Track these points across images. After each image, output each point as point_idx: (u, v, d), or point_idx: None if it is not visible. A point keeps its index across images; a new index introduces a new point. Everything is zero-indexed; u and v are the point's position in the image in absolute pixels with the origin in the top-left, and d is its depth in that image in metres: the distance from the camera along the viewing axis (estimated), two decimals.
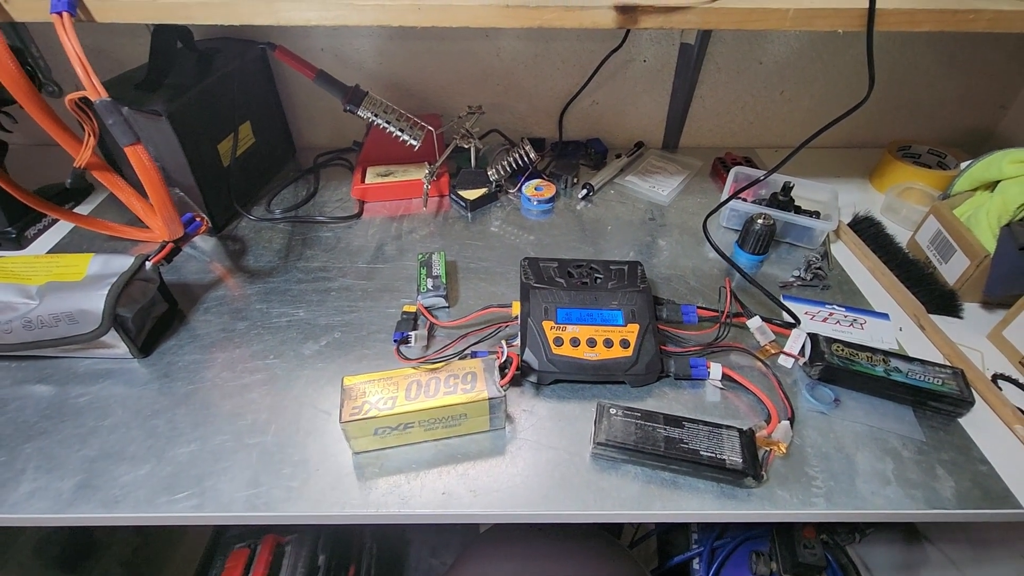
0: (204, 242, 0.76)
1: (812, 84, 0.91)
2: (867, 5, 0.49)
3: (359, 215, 0.82)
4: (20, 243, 0.74)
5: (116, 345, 0.58)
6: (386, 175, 0.86)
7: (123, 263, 0.58)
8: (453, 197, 0.84)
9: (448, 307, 0.66)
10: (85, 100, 0.51)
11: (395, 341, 0.61)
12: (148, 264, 0.60)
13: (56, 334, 0.55)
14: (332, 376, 0.58)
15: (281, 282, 0.69)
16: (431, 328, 0.63)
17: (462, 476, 0.49)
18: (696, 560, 0.89)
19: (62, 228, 0.78)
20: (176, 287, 0.67)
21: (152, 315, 0.62)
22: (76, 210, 0.81)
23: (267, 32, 0.82)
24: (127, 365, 0.59)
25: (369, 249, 0.75)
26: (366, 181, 0.84)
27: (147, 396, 0.56)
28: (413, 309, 0.64)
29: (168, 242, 0.61)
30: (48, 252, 0.74)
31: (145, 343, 0.60)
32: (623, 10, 0.50)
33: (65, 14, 0.48)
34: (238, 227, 0.79)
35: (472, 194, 0.83)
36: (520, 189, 0.85)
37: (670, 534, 0.99)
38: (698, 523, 0.93)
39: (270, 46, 0.73)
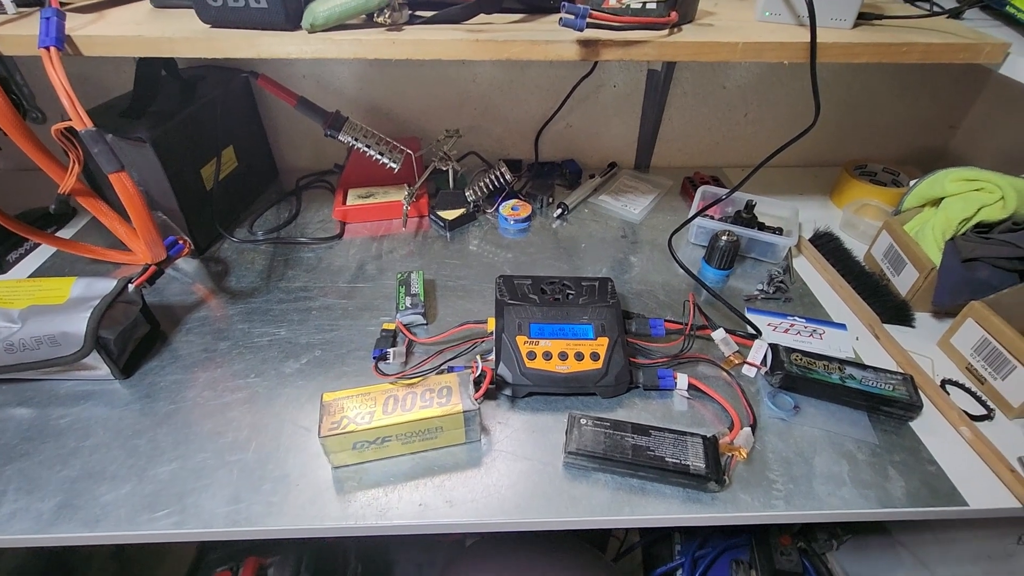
0: (187, 264, 0.78)
1: (774, 107, 0.96)
2: (809, 39, 0.53)
3: (340, 236, 0.84)
4: (1, 268, 0.75)
5: (98, 367, 0.59)
6: (367, 197, 0.88)
7: (106, 286, 0.60)
8: (432, 217, 0.87)
9: (426, 324, 0.68)
10: (70, 129, 0.53)
11: (374, 358, 0.62)
12: (130, 287, 0.61)
13: (38, 356, 0.56)
14: (312, 394, 0.59)
15: (263, 302, 0.71)
16: (410, 345, 0.65)
17: (439, 488, 0.51)
18: (679, 571, 0.91)
19: (43, 252, 0.79)
20: (158, 309, 0.68)
21: (134, 337, 0.63)
22: (58, 234, 0.82)
23: (250, 60, 0.85)
24: (108, 386, 0.60)
25: (350, 269, 0.77)
26: (347, 203, 0.87)
27: (128, 416, 0.57)
28: (392, 327, 0.66)
29: (150, 265, 0.63)
30: (30, 276, 0.75)
31: (127, 364, 0.61)
32: (585, 44, 0.53)
33: (53, 48, 0.50)
34: (221, 249, 0.81)
35: (451, 214, 0.86)
36: (497, 209, 0.88)
37: (654, 546, 1.00)
38: (681, 534, 0.94)
39: (253, 74, 0.75)
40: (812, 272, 0.78)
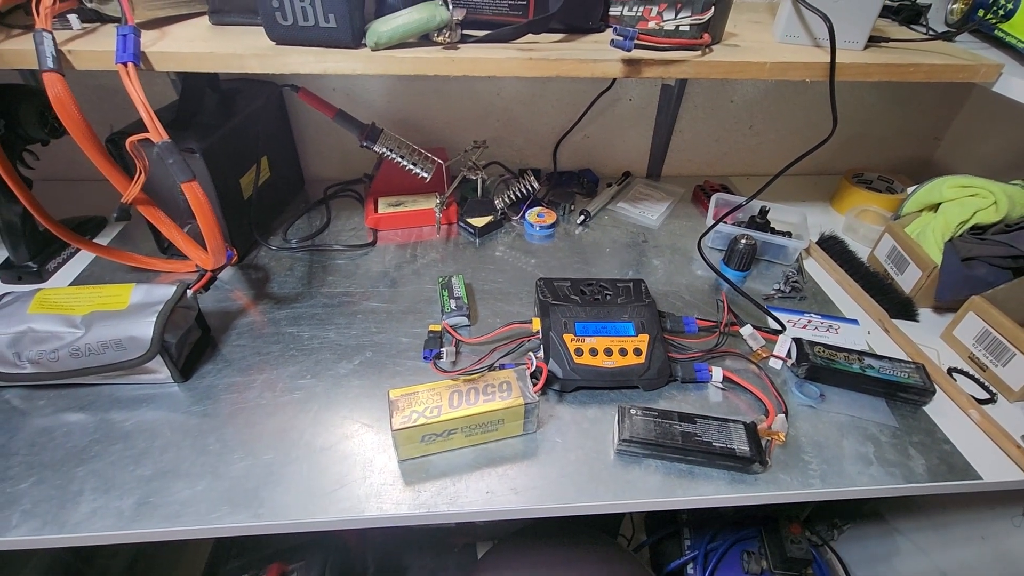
0: (224, 272, 0.79)
1: (777, 120, 1.02)
2: (829, 60, 0.59)
3: (374, 243, 0.87)
4: (42, 276, 0.76)
5: (159, 370, 0.61)
6: (397, 205, 0.91)
7: (165, 292, 0.61)
8: (461, 224, 0.90)
9: (470, 325, 0.71)
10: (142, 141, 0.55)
11: (426, 358, 0.65)
12: (189, 292, 0.63)
13: (103, 360, 0.58)
14: (369, 392, 0.62)
15: (308, 307, 0.73)
16: (457, 345, 0.68)
17: (502, 476, 0.54)
18: (691, 564, 0.95)
19: (81, 261, 0.80)
20: (205, 314, 0.70)
21: (189, 341, 0.65)
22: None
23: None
24: (168, 390, 0.62)
25: (388, 274, 0.80)
26: (379, 211, 0.90)
27: (193, 418, 0.58)
28: (438, 328, 0.69)
29: (208, 271, 0.65)
30: (70, 284, 0.76)
31: (184, 368, 0.63)
32: (630, 63, 0.58)
33: (130, 64, 0.53)
34: (258, 256, 0.83)
35: (479, 221, 0.89)
36: (523, 216, 0.92)
37: (662, 544, 1.04)
38: (691, 529, 0.99)
39: (293, 88, 0.78)
40: (822, 272, 0.83)
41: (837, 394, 0.64)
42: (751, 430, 0.56)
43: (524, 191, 0.91)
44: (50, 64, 0.52)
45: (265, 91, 0.85)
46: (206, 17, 0.65)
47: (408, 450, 0.54)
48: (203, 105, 0.77)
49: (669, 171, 1.08)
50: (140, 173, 0.58)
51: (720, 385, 0.64)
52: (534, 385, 0.57)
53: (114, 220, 0.60)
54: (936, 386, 0.63)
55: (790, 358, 0.66)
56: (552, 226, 0.91)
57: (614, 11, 0.68)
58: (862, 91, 1.00)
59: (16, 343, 0.57)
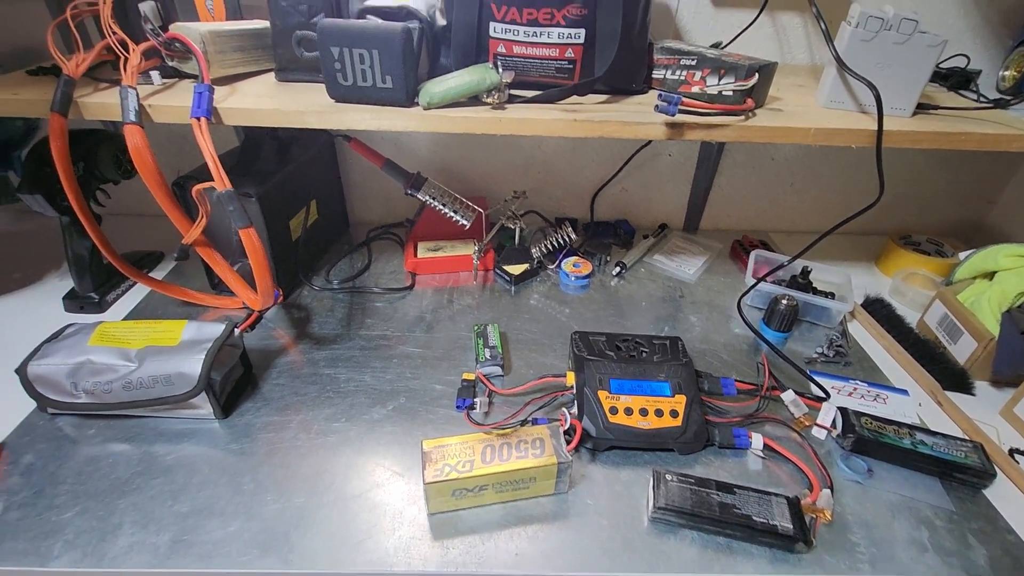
0: (269, 310, 0.82)
1: (819, 179, 1.02)
2: (875, 128, 0.59)
3: (411, 287, 0.88)
4: (102, 307, 0.80)
5: (203, 406, 0.62)
6: (436, 250, 0.93)
7: (214, 330, 0.64)
8: (498, 271, 0.92)
9: (503, 375, 0.71)
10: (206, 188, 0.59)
11: (459, 407, 0.65)
12: (236, 331, 0.65)
13: (152, 395, 0.60)
14: (401, 439, 0.62)
15: (346, 349, 0.75)
16: (490, 395, 0.68)
17: (532, 538, 0.53)
18: None
19: (138, 293, 0.84)
20: (248, 351, 0.72)
21: (232, 378, 0.67)
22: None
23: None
24: (208, 425, 0.63)
25: (424, 319, 0.81)
26: (418, 255, 0.92)
27: (231, 456, 0.60)
28: (472, 377, 0.69)
29: (256, 311, 0.67)
30: (127, 314, 0.79)
31: (225, 405, 0.65)
32: (672, 126, 0.59)
33: (203, 119, 0.57)
34: (301, 296, 0.86)
35: (516, 269, 0.90)
36: (559, 266, 0.93)
37: None
38: None
39: (345, 138, 0.82)
40: (867, 337, 0.80)
41: (886, 470, 0.60)
42: (794, 505, 0.53)
43: (561, 241, 0.92)
44: (132, 118, 0.57)
45: (319, 139, 0.90)
46: (272, 73, 0.70)
47: (438, 503, 0.54)
48: (262, 151, 0.82)
49: (706, 225, 1.08)
50: (202, 218, 0.61)
51: (760, 453, 0.61)
52: (568, 443, 0.56)
53: (174, 259, 0.64)
54: (996, 468, 0.59)
55: (835, 428, 0.63)
56: (587, 277, 0.91)
57: (657, 74, 0.70)
58: (910, 152, 0.98)
59: (74, 373, 0.60)
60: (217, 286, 0.85)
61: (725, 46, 0.82)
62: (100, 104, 0.59)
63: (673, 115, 0.56)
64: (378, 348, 0.75)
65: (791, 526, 0.51)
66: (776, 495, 0.54)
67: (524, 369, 0.73)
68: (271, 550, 0.51)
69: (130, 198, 0.91)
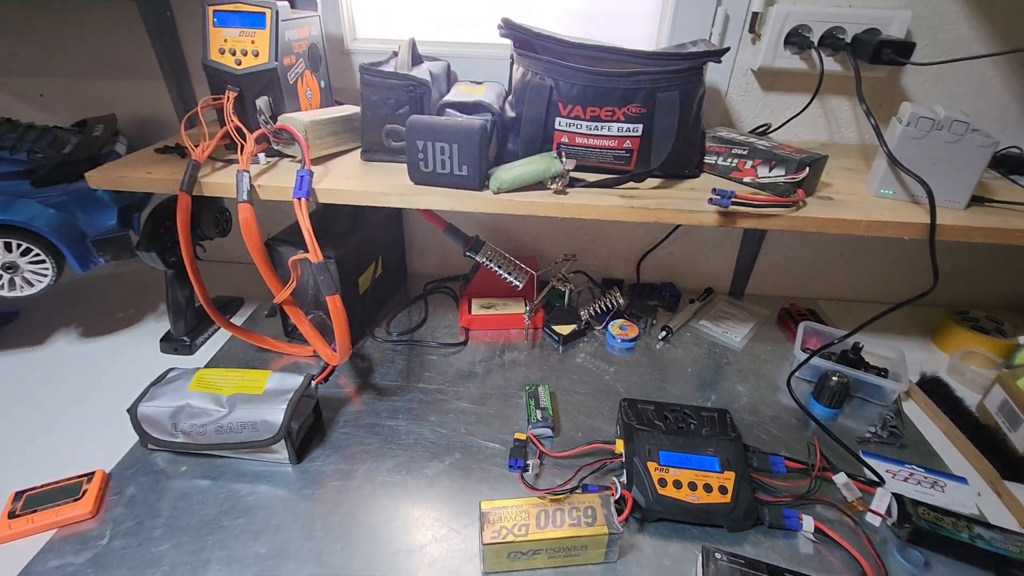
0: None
1: (869, 249, 1.02)
2: (928, 221, 0.61)
3: (465, 342, 0.94)
4: (192, 349, 0.89)
5: (280, 452, 0.68)
6: (488, 307, 0.99)
7: (294, 382, 0.71)
8: (546, 331, 0.96)
9: (553, 437, 0.75)
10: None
11: (511, 467, 0.69)
12: (313, 383, 0.72)
13: (238, 439, 0.67)
14: (456, 495, 0.66)
15: (405, 401, 0.80)
16: (541, 456, 0.71)
17: None
18: None
19: (220, 338, 0.93)
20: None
21: (305, 425, 0.73)
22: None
23: None
24: (283, 469, 0.69)
25: (477, 375, 0.86)
26: (472, 312, 0.98)
27: (303, 500, 0.65)
28: (524, 437, 0.73)
29: (330, 365, 0.74)
30: (211, 359, 0.88)
31: (299, 450, 0.71)
32: (725, 215, 0.63)
33: (303, 199, 0.65)
34: (364, 347, 0.92)
35: (564, 329, 0.95)
36: (606, 327, 0.96)
37: None
38: None
39: None
40: (924, 419, 0.80)
41: (944, 564, 0.59)
42: None
43: (609, 305, 0.95)
44: (244, 197, 0.65)
45: None
46: (358, 152, 0.79)
47: (494, 564, 0.57)
48: (339, 214, 0.91)
49: (753, 290, 1.10)
50: (293, 282, 0.69)
51: (811, 536, 0.62)
52: (619, 513, 0.58)
53: (265, 316, 0.72)
54: None
55: (890, 516, 0.63)
56: (634, 340, 0.94)
57: (709, 160, 0.75)
58: None
59: (175, 415, 0.67)
60: (290, 334, 0.92)
61: (775, 130, 0.86)
62: (218, 184, 0.69)
63: (726, 208, 0.60)
64: (435, 402, 0.80)
65: None
66: None
67: (572, 431, 0.76)
68: None
69: (211, 246, 1.02)
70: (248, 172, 0.66)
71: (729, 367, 0.90)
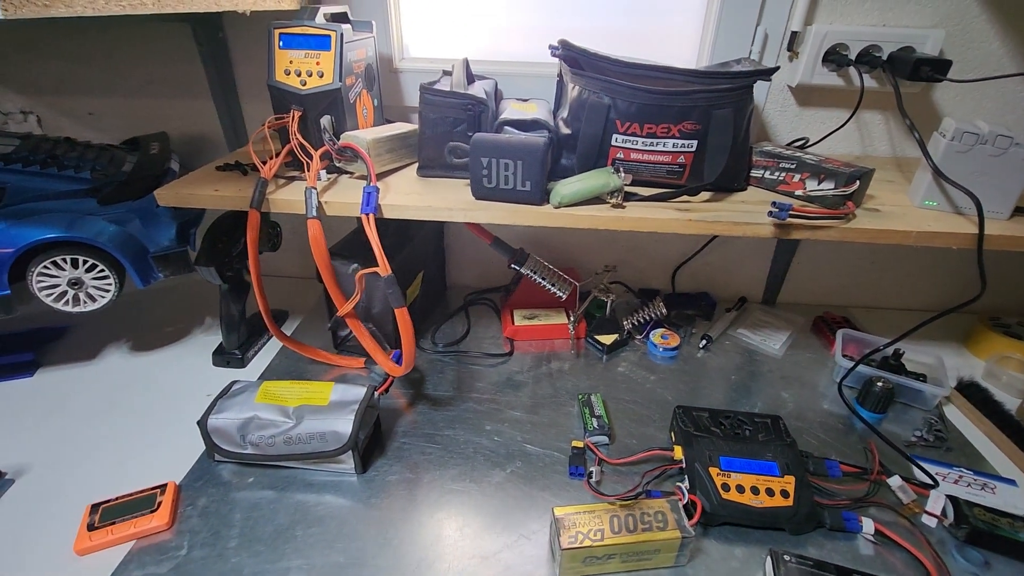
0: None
1: (901, 259, 1.05)
2: (975, 231, 0.63)
3: (511, 353, 0.96)
4: (243, 363, 0.90)
5: (347, 462, 0.70)
6: (531, 318, 1.01)
7: (358, 392, 0.72)
8: (589, 341, 0.98)
9: (609, 444, 0.76)
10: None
11: (572, 475, 0.71)
12: (375, 394, 0.74)
13: (306, 449, 0.68)
14: (522, 502, 0.67)
15: (460, 411, 0.82)
16: (600, 463, 0.72)
17: None
18: None
19: (269, 351, 0.94)
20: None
21: (367, 436, 0.74)
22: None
23: None
24: (348, 480, 0.70)
25: (527, 384, 0.88)
26: (515, 323, 1.00)
27: (373, 509, 0.66)
28: (581, 445, 0.74)
29: (391, 377, 0.76)
30: (263, 372, 0.89)
31: (362, 460, 0.72)
32: (780, 227, 0.66)
33: (371, 215, 0.67)
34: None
35: (607, 339, 0.96)
36: (647, 337, 0.98)
37: None
38: None
39: None
40: (966, 422, 0.81)
41: (1003, 563, 0.61)
42: None
43: (652, 315, 0.98)
44: (313, 213, 0.68)
45: None
46: (413, 168, 0.82)
47: (570, 569, 0.58)
48: (388, 229, 0.93)
49: (785, 298, 1.12)
50: (357, 295, 0.71)
51: (871, 538, 0.63)
52: (689, 518, 0.60)
53: (328, 329, 0.73)
54: None
55: (946, 517, 0.65)
56: (676, 348, 0.96)
57: (755, 173, 0.78)
58: None
59: (244, 427, 0.68)
60: (339, 346, 0.94)
61: (813, 144, 0.89)
62: (285, 200, 0.71)
63: (784, 220, 0.63)
64: (488, 411, 0.82)
65: None
66: None
67: (626, 438, 0.78)
68: None
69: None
70: (316, 189, 0.68)
71: (772, 374, 0.92)
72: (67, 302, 0.77)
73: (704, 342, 0.98)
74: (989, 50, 0.83)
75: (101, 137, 0.92)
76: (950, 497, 0.65)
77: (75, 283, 0.77)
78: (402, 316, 0.68)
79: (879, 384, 0.79)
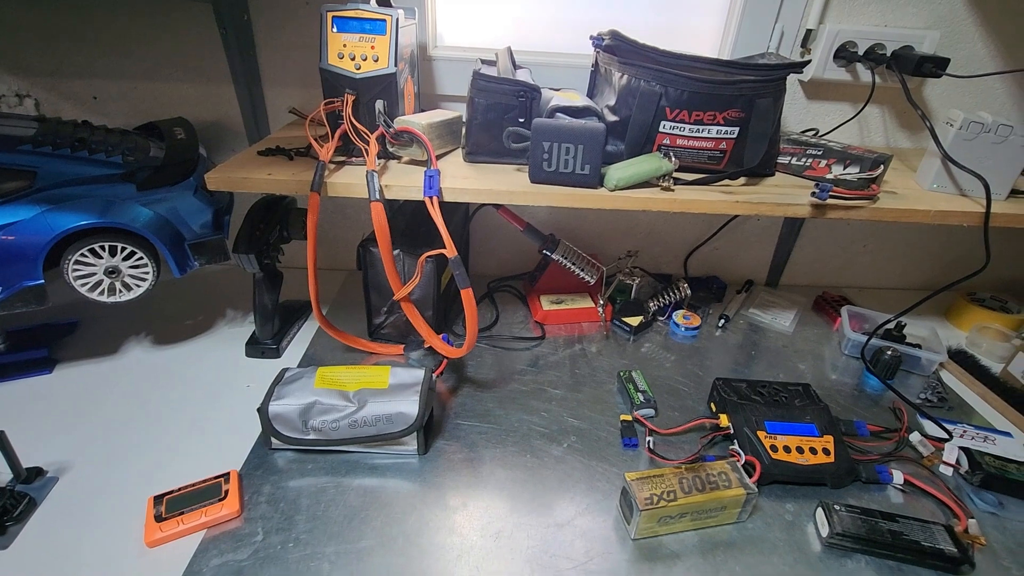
0: (425, 358, 0.91)
1: (889, 242, 1.15)
2: (982, 210, 0.71)
3: (543, 337, 0.98)
4: (278, 353, 0.89)
5: (410, 444, 0.71)
6: (559, 303, 1.04)
7: (416, 375, 0.73)
8: (616, 323, 1.02)
9: (655, 416, 0.80)
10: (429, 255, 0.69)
11: (626, 445, 0.74)
12: (434, 376, 0.75)
13: (371, 432, 0.68)
14: (585, 473, 0.70)
15: (508, 392, 0.84)
16: (651, 434, 0.76)
17: (728, 559, 0.60)
18: None
19: (302, 341, 0.93)
20: None
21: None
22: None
23: None
24: (410, 461, 0.71)
25: (565, 365, 0.91)
26: (544, 307, 1.02)
27: (439, 488, 0.67)
28: (629, 418, 0.78)
29: (446, 359, 0.77)
30: (300, 361, 0.88)
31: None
32: (817, 207, 0.71)
33: (434, 198, 0.68)
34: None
35: (634, 320, 1.01)
36: (670, 318, 1.03)
37: None
38: None
39: (495, 205, 0.94)
40: (960, 385, 0.91)
41: (1014, 503, 0.69)
42: (951, 532, 0.62)
43: (674, 298, 1.03)
44: (376, 196, 0.68)
45: (462, 205, 1.02)
46: (457, 154, 0.83)
47: (646, 529, 0.62)
48: (418, 217, 0.93)
49: (787, 280, 1.20)
50: (417, 277, 0.72)
51: (901, 487, 0.70)
52: (750, 476, 0.65)
53: (383, 313, 0.74)
54: None
55: (960, 465, 0.72)
56: (696, 328, 1.01)
57: (782, 160, 0.84)
58: None
59: (305, 412, 0.68)
60: (373, 334, 0.94)
61: (824, 135, 0.96)
62: (343, 184, 0.71)
63: (824, 200, 0.68)
64: (533, 391, 0.84)
65: (956, 550, 0.60)
66: (934, 524, 0.63)
67: (667, 411, 0.82)
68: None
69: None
70: (376, 172, 0.69)
71: (786, 349, 0.98)
72: (103, 292, 0.74)
73: (722, 321, 1.04)
74: (973, 50, 0.93)
75: (105, 123, 0.87)
76: (963, 448, 0.73)
77: (112, 272, 0.73)
78: (468, 297, 0.70)
79: (888, 353, 0.87)
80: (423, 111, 0.88)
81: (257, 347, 0.88)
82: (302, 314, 0.99)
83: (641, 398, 0.80)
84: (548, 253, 0.95)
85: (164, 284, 1.05)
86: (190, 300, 1.02)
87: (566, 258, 0.96)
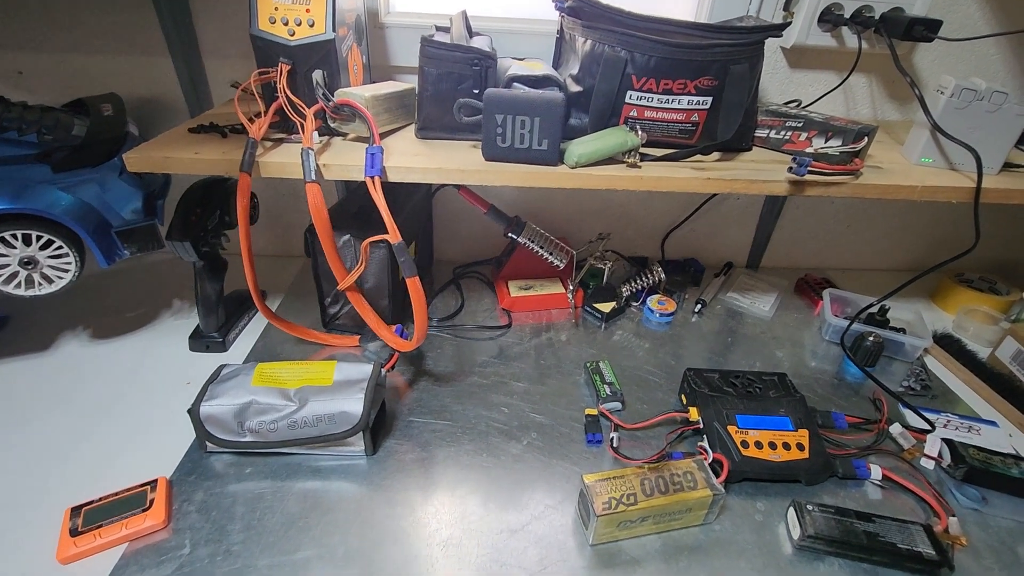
0: (383, 349, 0.86)
1: (872, 221, 1.09)
2: (972, 185, 0.66)
3: (509, 325, 0.93)
4: (224, 346, 0.83)
5: (356, 444, 0.66)
6: (527, 289, 0.98)
7: (363, 370, 0.68)
8: (588, 309, 0.97)
9: (622, 410, 0.76)
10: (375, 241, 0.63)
11: (590, 442, 0.70)
12: (382, 371, 0.69)
13: (314, 433, 0.63)
14: (543, 473, 0.66)
15: (467, 386, 0.79)
16: (616, 429, 0.72)
17: (692, 564, 0.56)
18: None
19: (251, 333, 0.87)
20: None
21: (376, 415, 0.70)
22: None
23: None
24: (357, 462, 0.66)
25: (530, 356, 0.86)
26: (511, 294, 0.97)
27: (388, 491, 0.63)
28: (595, 412, 0.73)
29: (397, 352, 0.71)
30: (247, 355, 0.82)
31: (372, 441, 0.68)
32: (795, 183, 0.66)
33: (376, 178, 0.62)
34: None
35: (605, 307, 0.96)
36: (644, 303, 0.98)
37: None
38: None
39: (456, 186, 0.88)
40: (945, 372, 0.86)
41: (999, 498, 0.65)
42: (930, 532, 0.58)
43: (648, 282, 0.97)
44: (312, 177, 0.62)
45: (422, 187, 0.95)
46: (409, 130, 0.76)
47: (604, 534, 0.57)
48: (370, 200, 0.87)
49: (768, 263, 1.15)
50: (363, 265, 0.66)
51: (880, 483, 0.66)
52: (717, 476, 0.60)
53: (337, 303, 0.68)
54: None
55: (943, 458, 0.68)
56: (672, 314, 0.96)
57: (760, 133, 0.78)
58: None
59: (241, 413, 0.63)
60: (327, 324, 0.88)
61: (807, 106, 0.90)
62: (277, 163, 0.64)
63: (802, 176, 0.63)
64: (494, 384, 0.79)
65: (934, 552, 0.56)
66: (912, 523, 0.59)
67: (636, 404, 0.77)
68: None
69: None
70: (312, 150, 0.62)
71: (764, 335, 0.94)
72: (19, 284, 0.68)
73: (698, 307, 0.99)
74: (967, 13, 0.86)
75: (32, 100, 0.80)
76: (946, 440, 0.69)
77: (28, 263, 0.67)
78: (414, 286, 0.64)
79: (870, 339, 0.83)
80: (373, 83, 0.81)
81: (201, 340, 0.82)
82: (250, 305, 0.93)
83: (607, 391, 0.75)
84: (514, 236, 0.89)
85: (108, 274, 1.00)
86: (135, 290, 0.96)
87: (533, 241, 0.90)
